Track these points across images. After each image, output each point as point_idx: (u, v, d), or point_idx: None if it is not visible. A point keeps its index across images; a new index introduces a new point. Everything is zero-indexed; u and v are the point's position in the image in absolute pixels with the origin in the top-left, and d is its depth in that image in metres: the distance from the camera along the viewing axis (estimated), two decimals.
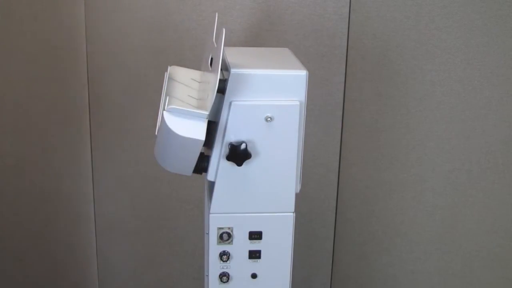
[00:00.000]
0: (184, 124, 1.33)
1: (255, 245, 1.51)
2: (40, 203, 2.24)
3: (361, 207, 2.26)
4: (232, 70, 1.38)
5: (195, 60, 2.07)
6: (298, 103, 1.41)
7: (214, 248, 1.51)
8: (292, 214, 1.50)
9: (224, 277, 1.53)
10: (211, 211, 1.48)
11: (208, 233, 1.51)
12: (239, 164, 1.42)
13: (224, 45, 1.38)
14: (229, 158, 1.41)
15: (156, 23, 2.08)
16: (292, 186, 1.47)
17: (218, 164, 1.43)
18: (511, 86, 2.12)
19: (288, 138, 1.43)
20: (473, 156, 2.18)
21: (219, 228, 1.49)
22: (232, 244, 1.51)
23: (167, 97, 1.40)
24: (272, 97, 1.40)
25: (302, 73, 1.41)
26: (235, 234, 1.50)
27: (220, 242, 1.50)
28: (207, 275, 1.55)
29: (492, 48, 2.08)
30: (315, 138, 2.16)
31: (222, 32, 1.40)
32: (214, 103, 1.36)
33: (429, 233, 2.27)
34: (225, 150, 1.41)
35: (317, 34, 2.09)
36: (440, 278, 2.31)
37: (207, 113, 1.34)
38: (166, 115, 1.34)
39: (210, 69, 1.46)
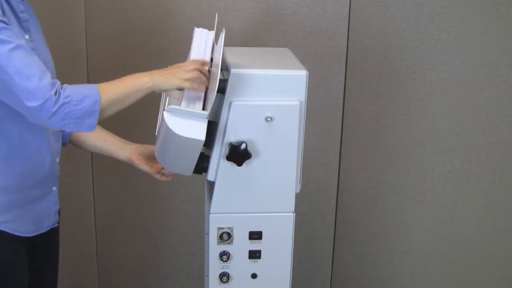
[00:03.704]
0: (184, 124, 1.33)
1: (255, 245, 1.51)
2: None
3: (361, 207, 2.26)
4: (232, 70, 1.38)
5: None
6: (298, 103, 1.41)
7: (214, 248, 1.51)
8: (292, 214, 1.50)
9: (224, 277, 1.53)
10: (211, 211, 1.48)
11: (208, 233, 1.51)
12: (239, 164, 1.42)
13: (224, 45, 1.38)
14: (229, 158, 1.41)
15: (156, 23, 2.08)
16: (292, 186, 1.47)
17: (218, 164, 1.43)
18: (511, 86, 2.12)
19: (288, 138, 1.43)
20: (473, 156, 2.18)
21: (219, 228, 1.49)
22: (232, 244, 1.51)
23: (167, 97, 1.40)
24: (272, 97, 1.40)
25: (302, 73, 1.41)
26: (235, 234, 1.50)
27: (220, 242, 1.50)
28: (207, 275, 1.55)
29: (492, 48, 2.08)
30: (315, 138, 2.16)
31: (222, 32, 1.40)
32: (214, 103, 1.36)
33: (429, 233, 2.27)
34: (225, 150, 1.41)
35: (317, 34, 2.09)
36: (440, 278, 2.31)
37: (207, 113, 1.34)
38: (167, 115, 1.34)
39: (210, 69, 1.46)
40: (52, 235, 1.58)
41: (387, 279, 2.33)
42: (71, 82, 1.83)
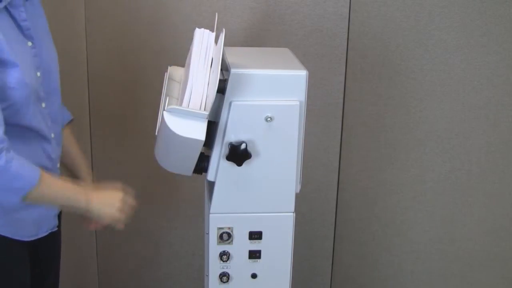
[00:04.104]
0: (184, 124, 1.33)
1: (255, 245, 1.51)
2: None
3: (361, 207, 2.26)
4: (232, 70, 1.38)
5: None
6: (298, 103, 1.41)
7: (214, 248, 1.51)
8: (292, 214, 1.50)
9: (224, 277, 1.53)
10: (211, 211, 1.48)
11: (208, 233, 1.51)
12: (239, 164, 1.42)
13: (224, 45, 1.38)
14: (229, 158, 1.41)
15: (156, 23, 2.08)
16: (292, 186, 1.47)
17: (218, 164, 1.43)
18: (511, 86, 2.12)
19: (288, 138, 1.43)
20: (473, 156, 2.18)
21: (219, 228, 1.49)
22: (232, 244, 1.51)
23: (167, 98, 1.40)
24: (272, 97, 1.40)
25: (302, 73, 1.41)
26: (235, 234, 1.50)
27: (220, 242, 1.50)
28: (207, 275, 1.55)
29: (492, 48, 2.08)
30: (315, 138, 2.16)
31: (222, 32, 1.40)
32: (214, 103, 1.36)
33: (429, 233, 2.27)
34: (225, 150, 1.41)
35: (317, 34, 2.09)
36: (440, 278, 2.31)
37: (207, 113, 1.34)
38: (166, 115, 1.34)
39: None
40: (52, 238, 1.57)
41: (387, 279, 2.33)
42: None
